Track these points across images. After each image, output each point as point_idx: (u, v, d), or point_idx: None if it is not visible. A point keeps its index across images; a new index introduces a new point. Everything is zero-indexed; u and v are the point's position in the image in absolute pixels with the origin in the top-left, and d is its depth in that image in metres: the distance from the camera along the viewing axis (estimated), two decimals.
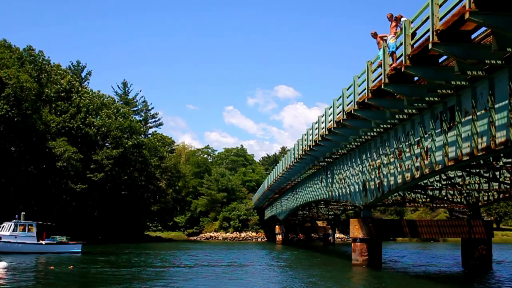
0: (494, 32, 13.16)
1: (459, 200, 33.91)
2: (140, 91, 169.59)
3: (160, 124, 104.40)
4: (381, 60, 18.84)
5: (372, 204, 29.35)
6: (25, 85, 51.86)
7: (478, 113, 16.24)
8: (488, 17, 12.51)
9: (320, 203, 53.78)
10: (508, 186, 27.86)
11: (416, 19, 16.66)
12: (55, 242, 41.64)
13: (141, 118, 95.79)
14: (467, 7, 12.47)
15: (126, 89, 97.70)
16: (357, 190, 29.87)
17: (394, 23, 18.53)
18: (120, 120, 66.10)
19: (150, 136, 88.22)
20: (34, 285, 21.13)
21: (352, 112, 22.89)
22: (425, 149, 20.40)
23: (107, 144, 66.06)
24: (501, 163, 24.90)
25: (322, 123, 29.29)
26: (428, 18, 14.95)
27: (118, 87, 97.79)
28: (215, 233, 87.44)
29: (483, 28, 14.34)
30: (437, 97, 18.42)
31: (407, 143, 22.31)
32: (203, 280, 22.51)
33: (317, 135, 30.65)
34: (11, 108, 51.26)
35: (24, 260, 32.58)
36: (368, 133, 25.87)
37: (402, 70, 16.81)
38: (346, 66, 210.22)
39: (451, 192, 33.32)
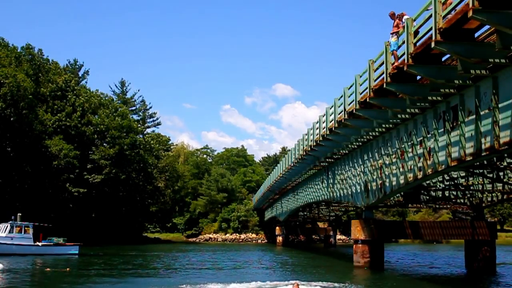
0: (497, 30, 12.93)
1: (462, 201, 33.60)
2: (139, 90, 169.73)
3: (158, 124, 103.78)
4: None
5: (374, 205, 29.11)
6: (21, 84, 51.57)
7: (482, 113, 16.00)
8: (492, 15, 12.32)
9: (321, 204, 53.47)
10: None
11: (418, 17, 16.43)
12: (52, 243, 41.25)
13: (139, 118, 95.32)
14: (470, 5, 12.29)
15: (124, 88, 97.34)
16: (359, 190, 29.59)
17: (396, 21, 18.26)
18: (118, 120, 65.76)
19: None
20: (30, 287, 20.88)
21: (354, 111, 22.66)
22: (427, 149, 20.11)
23: (104, 144, 65.66)
24: (505, 163, 24.62)
25: (323, 122, 29.07)
26: (431, 16, 14.72)
27: (116, 86, 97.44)
28: (214, 234, 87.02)
29: (487, 26, 14.10)
30: (440, 96, 18.18)
31: (409, 143, 22.02)
32: (201, 282, 22.20)
33: (318, 135, 30.41)
34: (7, 107, 51.00)
35: (20, 262, 32.27)
36: (370, 133, 25.63)
37: (405, 69, 16.60)
38: (345, 65, 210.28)
39: (454, 193, 33.02)
